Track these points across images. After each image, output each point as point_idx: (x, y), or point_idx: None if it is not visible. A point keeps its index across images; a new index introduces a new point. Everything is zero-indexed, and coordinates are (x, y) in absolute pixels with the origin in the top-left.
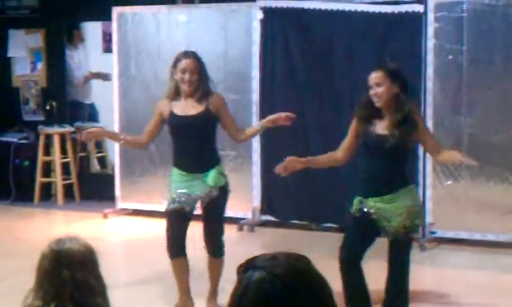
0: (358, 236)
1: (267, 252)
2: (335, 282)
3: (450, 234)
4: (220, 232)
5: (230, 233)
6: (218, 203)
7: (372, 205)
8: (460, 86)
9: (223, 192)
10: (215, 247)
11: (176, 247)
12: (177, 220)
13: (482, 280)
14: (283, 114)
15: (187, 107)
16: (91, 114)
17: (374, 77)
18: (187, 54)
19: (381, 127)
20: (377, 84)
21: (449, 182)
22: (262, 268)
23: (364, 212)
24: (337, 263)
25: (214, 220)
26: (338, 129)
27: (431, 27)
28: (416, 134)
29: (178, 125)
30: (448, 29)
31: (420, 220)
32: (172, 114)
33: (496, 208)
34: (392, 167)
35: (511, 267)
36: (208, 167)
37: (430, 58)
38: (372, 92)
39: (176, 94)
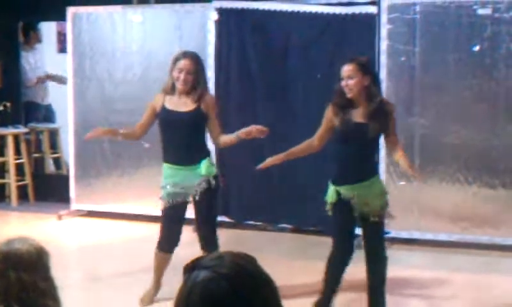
0: (346, 224)
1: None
2: (288, 282)
3: (403, 234)
4: (215, 225)
5: (185, 234)
6: (210, 197)
7: (349, 192)
8: (413, 87)
9: (215, 182)
10: (212, 241)
11: (168, 244)
12: (172, 217)
13: (434, 279)
14: (255, 127)
15: (179, 104)
16: (47, 115)
17: (346, 69)
18: (186, 54)
19: (357, 116)
20: (349, 77)
21: (402, 183)
22: (208, 268)
23: (342, 200)
24: (292, 263)
25: (208, 212)
26: (292, 130)
27: (384, 29)
28: (387, 125)
29: (168, 120)
30: (401, 30)
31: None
32: (163, 108)
33: (448, 208)
34: (369, 154)
35: (463, 266)
36: (199, 159)
37: (383, 59)
38: (343, 83)
39: (172, 90)
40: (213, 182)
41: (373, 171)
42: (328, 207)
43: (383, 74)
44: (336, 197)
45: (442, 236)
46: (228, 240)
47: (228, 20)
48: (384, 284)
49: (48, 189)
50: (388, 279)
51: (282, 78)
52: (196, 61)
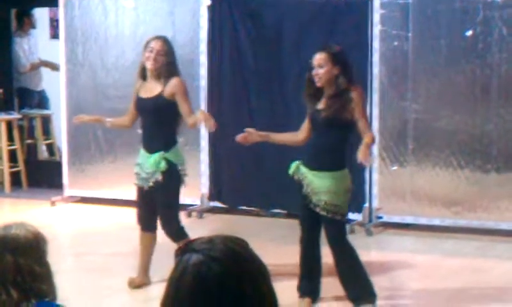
0: (303, 201)
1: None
2: (280, 266)
3: (396, 219)
4: (168, 218)
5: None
6: (161, 189)
7: (304, 174)
8: (406, 72)
9: (167, 177)
10: (166, 232)
11: (142, 221)
12: (140, 196)
13: (427, 264)
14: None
15: (148, 89)
16: (41, 101)
17: (318, 58)
18: (157, 37)
19: (321, 104)
20: (319, 65)
21: (395, 167)
22: (199, 251)
23: (298, 177)
24: (285, 248)
25: (160, 205)
26: (285, 115)
27: (377, 14)
28: (351, 111)
29: (137, 107)
30: (394, 15)
31: (342, 205)
32: (137, 95)
33: (441, 192)
34: (327, 142)
35: (456, 251)
36: (155, 149)
37: (376, 44)
38: (314, 72)
39: (142, 74)
40: (157, 177)
41: (332, 165)
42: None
43: (376, 59)
44: (295, 171)
45: (435, 221)
46: (221, 225)
47: (221, 5)
48: (352, 271)
49: (42, 175)
50: (381, 263)
51: (275, 63)
52: (168, 44)
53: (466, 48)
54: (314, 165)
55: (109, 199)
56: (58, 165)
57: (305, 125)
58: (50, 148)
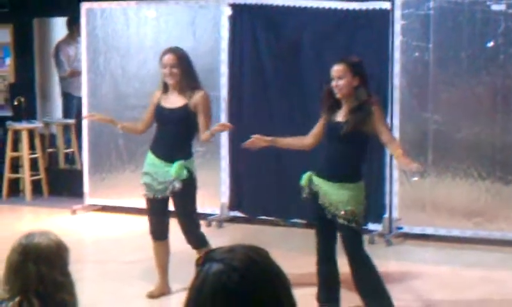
0: (317, 211)
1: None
2: (299, 276)
3: (416, 230)
4: (190, 225)
5: None
6: (182, 197)
7: (319, 184)
8: (426, 83)
9: (187, 186)
10: (189, 240)
11: (155, 230)
12: (152, 205)
13: (447, 275)
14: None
15: (171, 100)
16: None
17: (336, 69)
18: (168, 50)
19: (339, 115)
20: (339, 77)
21: (415, 178)
22: (220, 260)
23: (311, 188)
24: (304, 258)
25: (181, 214)
26: (306, 125)
27: (398, 25)
28: (372, 124)
29: (158, 115)
30: (415, 26)
31: (359, 215)
32: (158, 105)
33: (461, 204)
34: (346, 154)
35: (476, 262)
36: (176, 158)
37: (397, 55)
38: (333, 83)
39: (165, 87)
40: (177, 186)
41: (350, 177)
42: (303, 190)
43: (397, 70)
44: (308, 182)
45: (455, 232)
46: (241, 235)
47: (242, 15)
48: (370, 282)
49: (62, 184)
50: (400, 274)
51: (295, 73)
52: (179, 55)
53: (487, 59)
54: (331, 177)
55: (130, 207)
56: (79, 173)
57: (315, 131)
58: (71, 157)
